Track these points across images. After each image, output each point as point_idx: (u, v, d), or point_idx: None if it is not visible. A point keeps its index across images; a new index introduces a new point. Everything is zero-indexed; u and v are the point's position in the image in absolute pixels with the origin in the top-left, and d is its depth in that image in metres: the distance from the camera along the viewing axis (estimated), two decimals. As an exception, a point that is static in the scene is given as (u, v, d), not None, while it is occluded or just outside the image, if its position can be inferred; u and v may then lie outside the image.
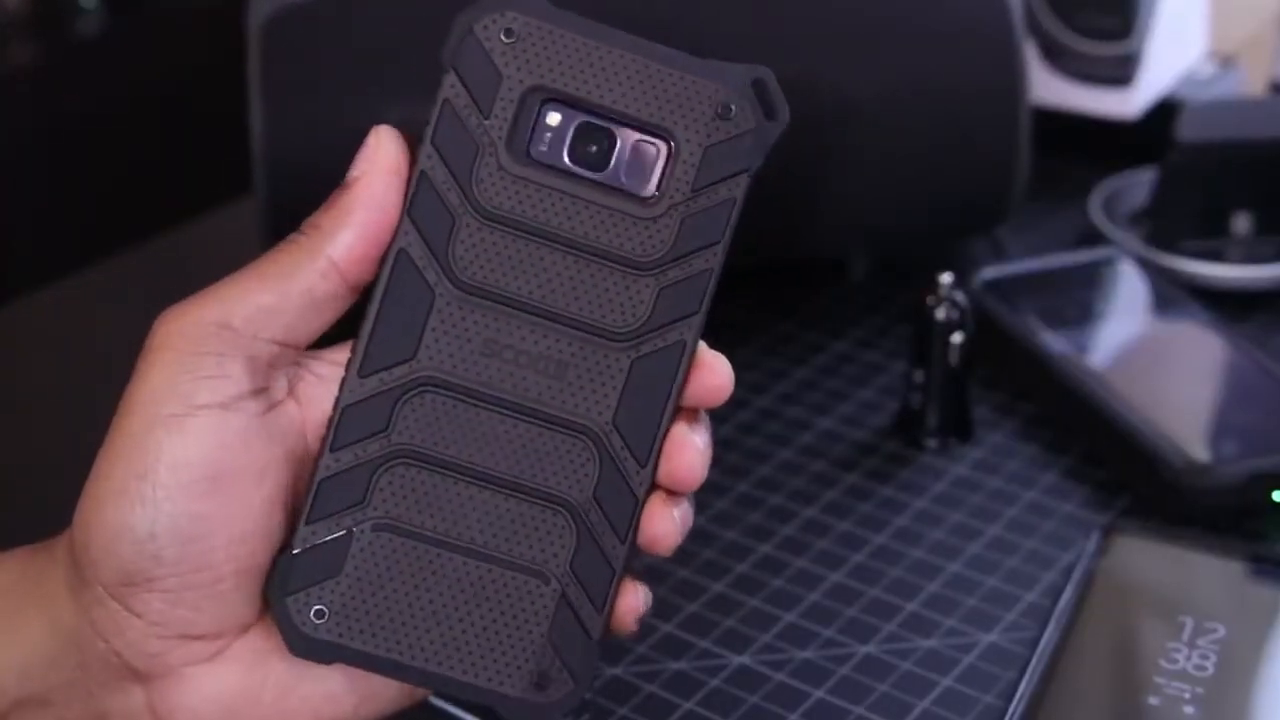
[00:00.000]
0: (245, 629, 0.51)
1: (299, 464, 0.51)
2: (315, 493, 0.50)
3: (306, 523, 0.50)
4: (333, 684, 0.51)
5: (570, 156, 0.51)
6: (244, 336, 0.50)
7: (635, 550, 0.51)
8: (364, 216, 0.50)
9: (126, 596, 0.49)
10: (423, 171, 0.50)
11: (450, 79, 0.50)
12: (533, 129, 0.50)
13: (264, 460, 0.50)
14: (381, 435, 0.50)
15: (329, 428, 0.50)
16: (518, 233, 0.50)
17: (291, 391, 0.51)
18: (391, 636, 0.50)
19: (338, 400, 0.50)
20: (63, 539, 0.52)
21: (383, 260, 0.50)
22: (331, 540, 0.50)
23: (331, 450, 0.50)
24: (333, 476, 0.50)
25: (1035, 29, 0.89)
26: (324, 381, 0.51)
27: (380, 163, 0.51)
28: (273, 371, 0.51)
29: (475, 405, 0.50)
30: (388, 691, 0.52)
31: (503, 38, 0.50)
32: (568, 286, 0.50)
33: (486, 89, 0.50)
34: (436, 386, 0.50)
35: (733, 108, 0.51)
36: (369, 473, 0.50)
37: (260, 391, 0.50)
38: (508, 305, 0.50)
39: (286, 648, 0.50)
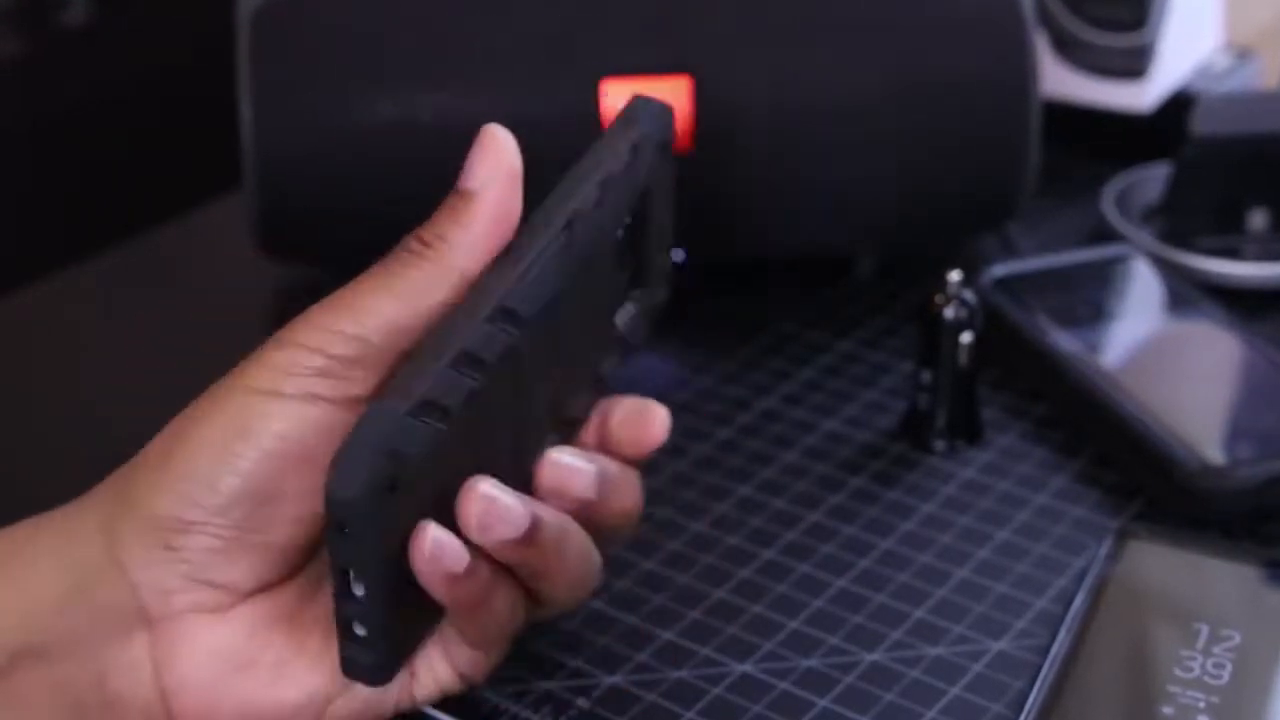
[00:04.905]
0: (252, 594, 0.52)
1: None
2: None
3: None
4: (328, 663, 0.53)
5: None
6: (378, 350, 0.52)
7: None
8: (491, 228, 0.52)
9: (171, 535, 0.51)
10: None
11: None
12: None
13: None
14: None
15: None
16: None
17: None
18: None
19: None
20: (106, 483, 0.53)
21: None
22: None
23: None
24: None
25: (1046, 20, 0.89)
26: None
27: (503, 169, 0.53)
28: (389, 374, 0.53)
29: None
30: None
31: None
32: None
33: None
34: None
35: None
36: None
37: (375, 396, 0.52)
38: None
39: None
